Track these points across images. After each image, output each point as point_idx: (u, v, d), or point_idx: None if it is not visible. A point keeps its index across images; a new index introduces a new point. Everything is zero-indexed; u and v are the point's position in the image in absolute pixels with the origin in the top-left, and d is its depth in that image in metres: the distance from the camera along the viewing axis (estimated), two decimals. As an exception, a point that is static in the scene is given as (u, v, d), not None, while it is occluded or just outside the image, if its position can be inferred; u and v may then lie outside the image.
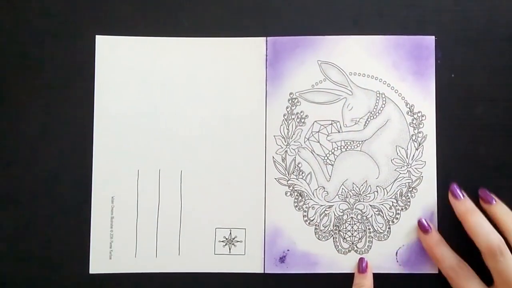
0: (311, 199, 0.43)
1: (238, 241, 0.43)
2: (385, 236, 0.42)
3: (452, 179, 0.42)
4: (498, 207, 0.40)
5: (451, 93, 0.43)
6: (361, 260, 0.42)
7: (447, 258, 0.40)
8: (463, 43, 0.43)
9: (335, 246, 0.43)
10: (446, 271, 0.40)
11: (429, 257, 0.42)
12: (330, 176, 0.43)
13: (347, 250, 0.43)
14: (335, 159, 0.43)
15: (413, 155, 0.43)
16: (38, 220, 0.43)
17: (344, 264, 0.42)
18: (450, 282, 0.40)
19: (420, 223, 0.42)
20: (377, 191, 0.43)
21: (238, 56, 0.43)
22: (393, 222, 0.43)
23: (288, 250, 0.42)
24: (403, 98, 0.43)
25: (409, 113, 0.43)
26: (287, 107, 0.43)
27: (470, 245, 0.43)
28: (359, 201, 0.43)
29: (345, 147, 0.43)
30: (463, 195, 0.41)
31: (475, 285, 0.38)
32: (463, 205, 0.41)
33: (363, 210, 0.43)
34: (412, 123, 0.43)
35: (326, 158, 0.43)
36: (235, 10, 0.44)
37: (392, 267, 0.42)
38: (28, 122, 0.43)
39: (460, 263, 0.40)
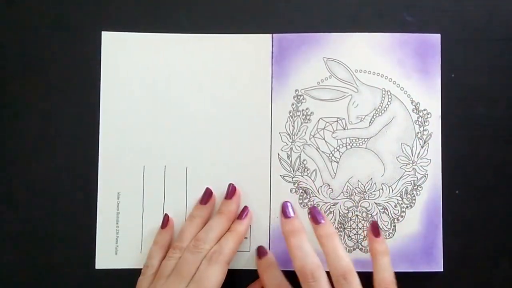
0: (316, 196, 0.43)
1: (243, 237, 0.43)
2: (390, 234, 0.42)
3: (457, 177, 0.43)
4: (323, 228, 0.39)
5: (451, 93, 0.43)
6: (229, 185, 0.42)
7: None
8: (463, 43, 0.43)
9: (340, 243, 0.42)
10: None
11: (434, 255, 0.42)
12: (335, 173, 0.43)
13: (352, 248, 0.42)
14: (340, 156, 0.43)
15: (419, 153, 0.43)
16: (45, 216, 0.43)
17: (349, 261, 0.42)
18: None
19: (259, 250, 0.42)
20: (382, 189, 0.43)
21: (244, 53, 0.43)
22: (398, 220, 0.43)
23: (266, 250, 0.42)
24: (408, 95, 0.43)
25: (415, 111, 0.43)
26: (292, 104, 0.43)
27: (477, 241, 0.43)
28: (364, 199, 0.43)
29: (350, 144, 0.43)
30: (293, 214, 0.40)
31: None
32: (290, 225, 0.40)
33: (368, 208, 0.43)
34: (418, 120, 0.43)
35: (331, 155, 0.43)
36: (241, 8, 0.44)
37: (398, 265, 0.42)
38: (36, 117, 0.44)
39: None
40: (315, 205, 0.42)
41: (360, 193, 0.43)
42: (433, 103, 0.43)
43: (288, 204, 0.41)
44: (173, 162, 0.43)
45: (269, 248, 0.43)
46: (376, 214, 0.43)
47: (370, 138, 0.43)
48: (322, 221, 0.40)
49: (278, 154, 0.43)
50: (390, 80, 0.43)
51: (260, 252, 0.41)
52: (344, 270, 0.37)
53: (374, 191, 0.43)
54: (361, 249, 0.42)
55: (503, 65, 0.43)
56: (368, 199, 0.43)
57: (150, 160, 0.43)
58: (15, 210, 0.43)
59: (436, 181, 0.43)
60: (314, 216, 0.40)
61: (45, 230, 0.43)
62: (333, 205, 0.43)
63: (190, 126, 0.43)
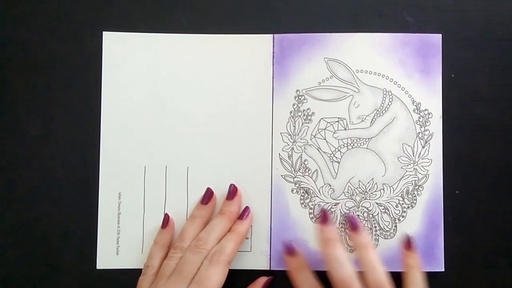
0: (317, 196, 0.43)
1: (244, 238, 0.43)
2: (391, 234, 0.42)
3: (458, 178, 0.43)
4: (360, 237, 0.40)
5: (451, 93, 0.43)
6: (230, 185, 0.42)
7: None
8: (463, 43, 0.43)
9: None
10: None
11: (436, 255, 0.42)
12: (336, 174, 0.43)
13: (352, 248, 0.42)
14: (341, 157, 0.43)
15: (420, 153, 0.43)
16: (45, 216, 0.43)
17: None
18: None
19: (287, 247, 0.41)
20: (383, 189, 0.43)
21: (245, 53, 0.43)
22: (399, 220, 0.43)
23: (294, 247, 0.42)
24: (409, 95, 0.43)
25: (416, 111, 0.43)
26: (293, 104, 0.43)
27: (478, 241, 0.43)
28: (365, 199, 0.43)
29: (352, 144, 0.43)
30: (330, 222, 0.41)
31: None
32: (326, 233, 0.40)
33: (369, 208, 0.43)
34: (419, 121, 0.43)
35: (332, 155, 0.43)
36: (242, 8, 0.44)
37: (399, 265, 0.42)
38: (36, 118, 0.44)
39: None
40: (352, 213, 0.42)
41: (361, 193, 0.43)
42: (434, 103, 0.43)
43: (326, 212, 0.41)
44: (174, 162, 0.43)
45: (269, 248, 0.43)
46: (377, 214, 0.43)
47: (371, 138, 0.43)
48: (359, 230, 0.40)
49: (279, 154, 0.43)
50: (391, 80, 0.43)
51: (289, 250, 0.41)
52: (379, 282, 0.38)
53: (375, 191, 0.43)
54: (362, 249, 0.42)
55: (503, 65, 0.43)
56: (369, 199, 0.43)
57: (151, 160, 0.43)
58: (15, 210, 0.43)
59: (437, 181, 0.43)
60: (352, 224, 0.41)
61: (45, 230, 0.43)
62: (334, 205, 0.43)
63: (191, 126, 0.43)
